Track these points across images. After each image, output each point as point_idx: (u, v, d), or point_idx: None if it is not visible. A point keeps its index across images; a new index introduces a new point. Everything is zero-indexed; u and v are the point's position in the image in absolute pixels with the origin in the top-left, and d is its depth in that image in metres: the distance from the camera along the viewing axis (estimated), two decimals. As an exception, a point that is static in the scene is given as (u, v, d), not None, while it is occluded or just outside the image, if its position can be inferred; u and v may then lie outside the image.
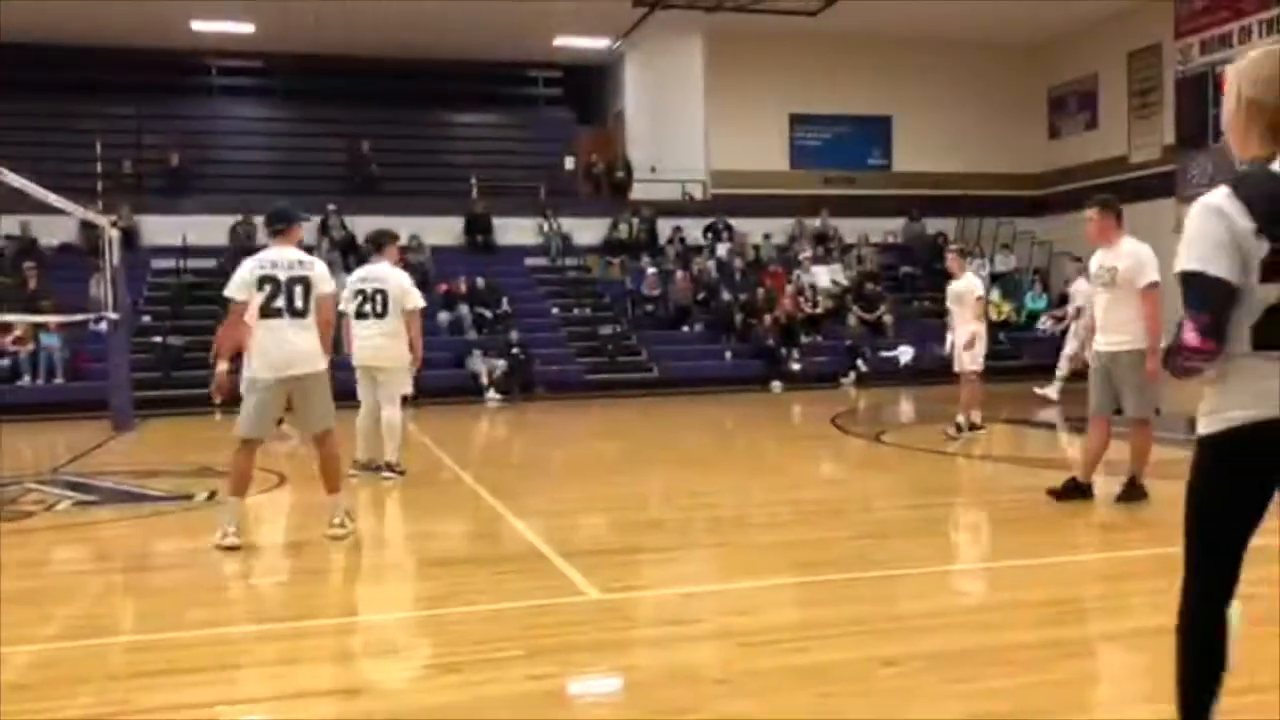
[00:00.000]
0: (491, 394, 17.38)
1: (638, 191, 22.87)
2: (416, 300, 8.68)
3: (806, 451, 11.12)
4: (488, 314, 19.04)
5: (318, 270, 6.23)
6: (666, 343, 19.58)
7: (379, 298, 8.39)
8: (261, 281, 6.06)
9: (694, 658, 4.05)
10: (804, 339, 19.52)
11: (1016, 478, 8.86)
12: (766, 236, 22.21)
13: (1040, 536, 6.13)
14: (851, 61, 22.49)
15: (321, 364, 6.20)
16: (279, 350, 6.05)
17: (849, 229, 22.46)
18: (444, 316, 18.96)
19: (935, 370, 14.24)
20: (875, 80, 22.73)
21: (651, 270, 20.51)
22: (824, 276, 20.89)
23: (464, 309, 18.93)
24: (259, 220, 19.13)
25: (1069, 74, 22.83)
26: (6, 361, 16.39)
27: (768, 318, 19.43)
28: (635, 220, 22.01)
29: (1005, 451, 10.47)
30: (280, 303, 6.05)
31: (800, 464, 10.17)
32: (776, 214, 22.28)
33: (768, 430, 13.26)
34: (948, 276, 11.14)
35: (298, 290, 6.10)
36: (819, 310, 20.20)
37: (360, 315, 8.41)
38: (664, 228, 22.05)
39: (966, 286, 10.47)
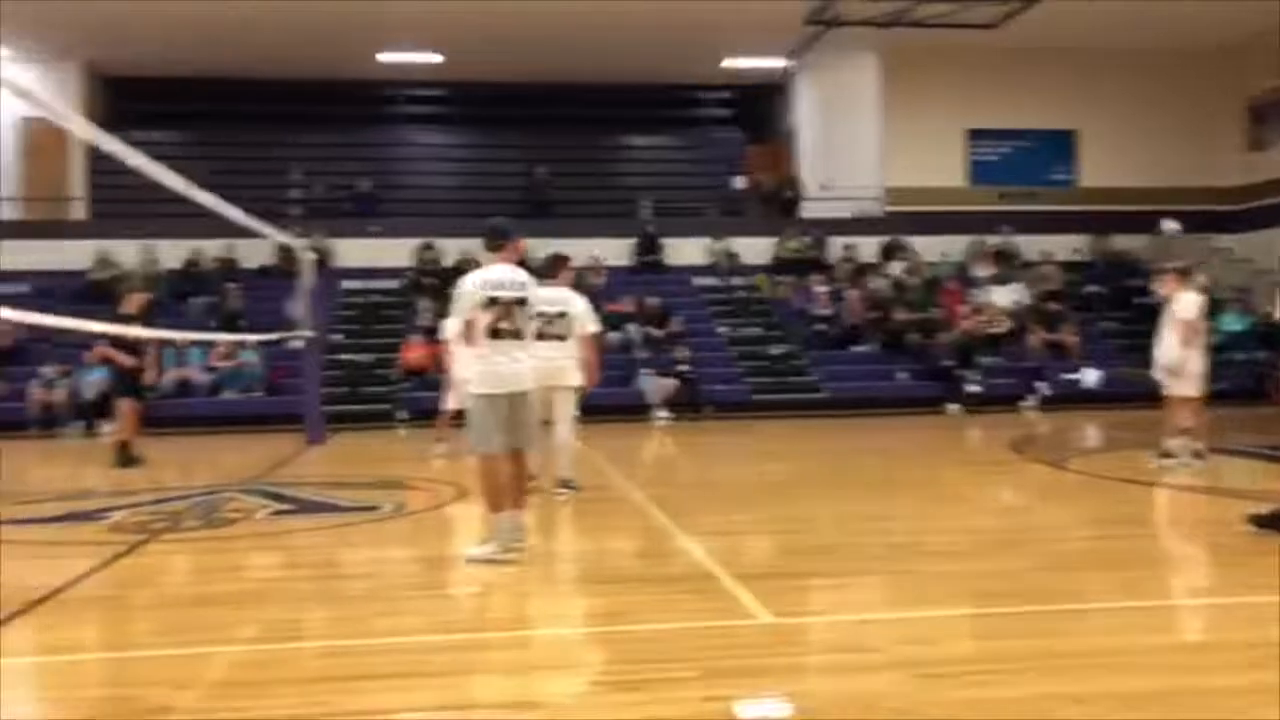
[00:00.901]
0: (660, 413, 17.52)
1: (808, 210, 22.72)
2: (595, 324, 8.86)
3: (984, 477, 10.78)
4: (657, 333, 19.23)
5: (531, 291, 6.44)
6: (837, 363, 19.33)
7: (561, 320, 8.35)
8: (489, 303, 6.24)
9: (871, 687, 3.98)
10: (982, 360, 18.93)
11: (1216, 509, 8.35)
12: (943, 254, 21.69)
13: (1243, 572, 5.76)
14: (1032, 74, 21.78)
15: (531, 383, 6.42)
16: (506, 368, 6.25)
17: (1030, 246, 21.70)
18: (613, 336, 19.24)
19: (1124, 394, 13.59)
20: (1057, 93, 21.95)
21: (822, 289, 20.31)
22: (1003, 295, 20.22)
23: (633, 328, 19.16)
24: (440, 243, 20.28)
25: (1270, 79, 21.46)
26: (212, 376, 17.50)
27: (943, 338, 18.95)
28: (805, 238, 21.86)
29: (1206, 481, 9.87)
30: (505, 325, 6.25)
31: (978, 490, 9.86)
32: (953, 231, 21.73)
33: (943, 455, 12.91)
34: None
35: (518, 312, 6.31)
36: (998, 330, 19.56)
37: (541, 336, 7.96)
38: (835, 246, 21.82)
39: (1186, 307, 9.88)
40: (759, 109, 25.38)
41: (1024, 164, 22.59)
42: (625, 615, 5.01)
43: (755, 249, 21.90)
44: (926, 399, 18.08)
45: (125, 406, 11.75)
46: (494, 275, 6.35)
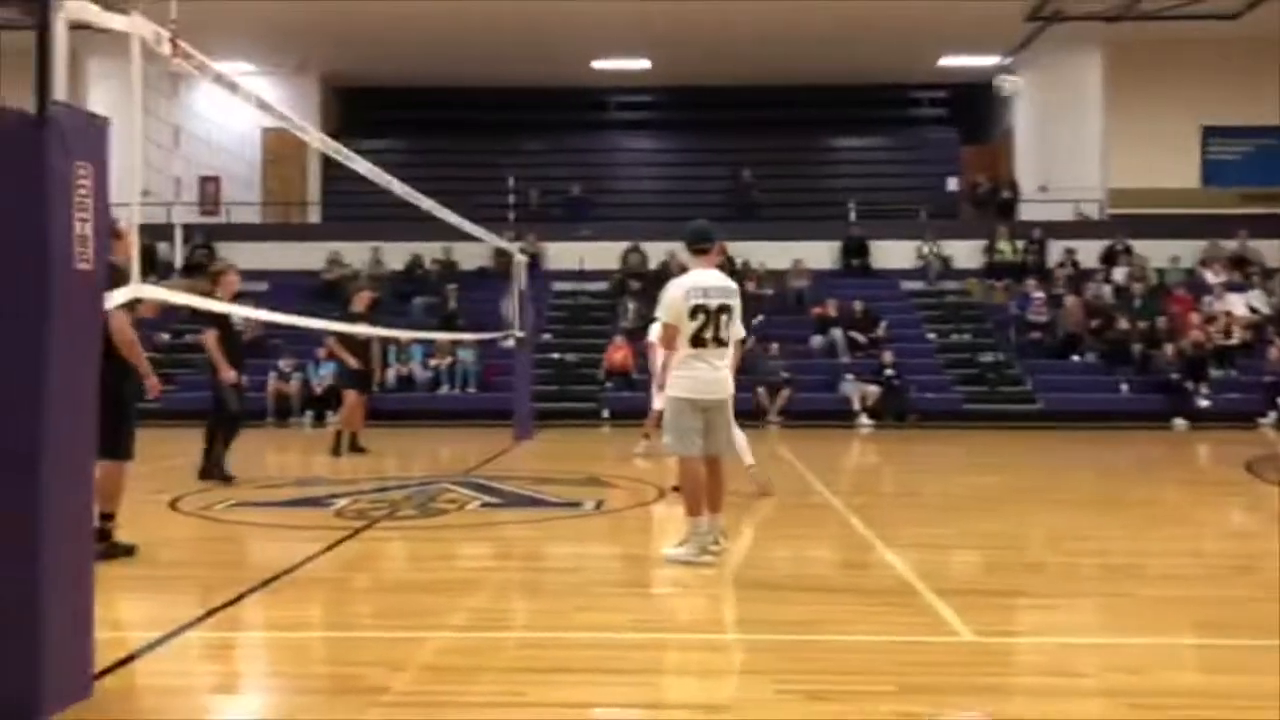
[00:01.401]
0: (863, 419, 17.24)
1: (1025, 212, 21.87)
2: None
3: (1214, 498, 10.10)
4: (861, 338, 18.91)
5: (738, 302, 6.40)
6: (1053, 372, 18.51)
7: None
8: (694, 311, 6.20)
9: (1077, 713, 3.81)
10: (1214, 373, 17.72)
11: None
12: (1174, 259, 20.43)
13: None
14: (1277, 67, 20.20)
15: (732, 390, 6.42)
16: (707, 374, 6.27)
17: (1271, 251, 20.17)
18: (817, 340, 19.07)
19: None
20: (1307, 85, 20.28)
21: (1039, 294, 19.49)
22: (1240, 304, 18.89)
23: (837, 332, 18.92)
24: (646, 246, 20.61)
25: None
26: (430, 373, 18.40)
27: (1171, 348, 17.85)
28: (1022, 242, 21.02)
29: None
30: (709, 333, 6.22)
31: (1206, 512, 9.25)
32: (1184, 235, 20.47)
33: (1168, 472, 12.18)
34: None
35: (723, 320, 6.27)
36: (1233, 341, 18.27)
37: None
38: (1054, 249, 20.89)
39: None
40: (975, 108, 24.59)
41: (1266, 163, 20.98)
42: (820, 624, 4.97)
43: (967, 252, 21.26)
44: (1150, 413, 17.10)
45: (350, 399, 12.50)
46: (701, 282, 6.30)
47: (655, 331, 8.41)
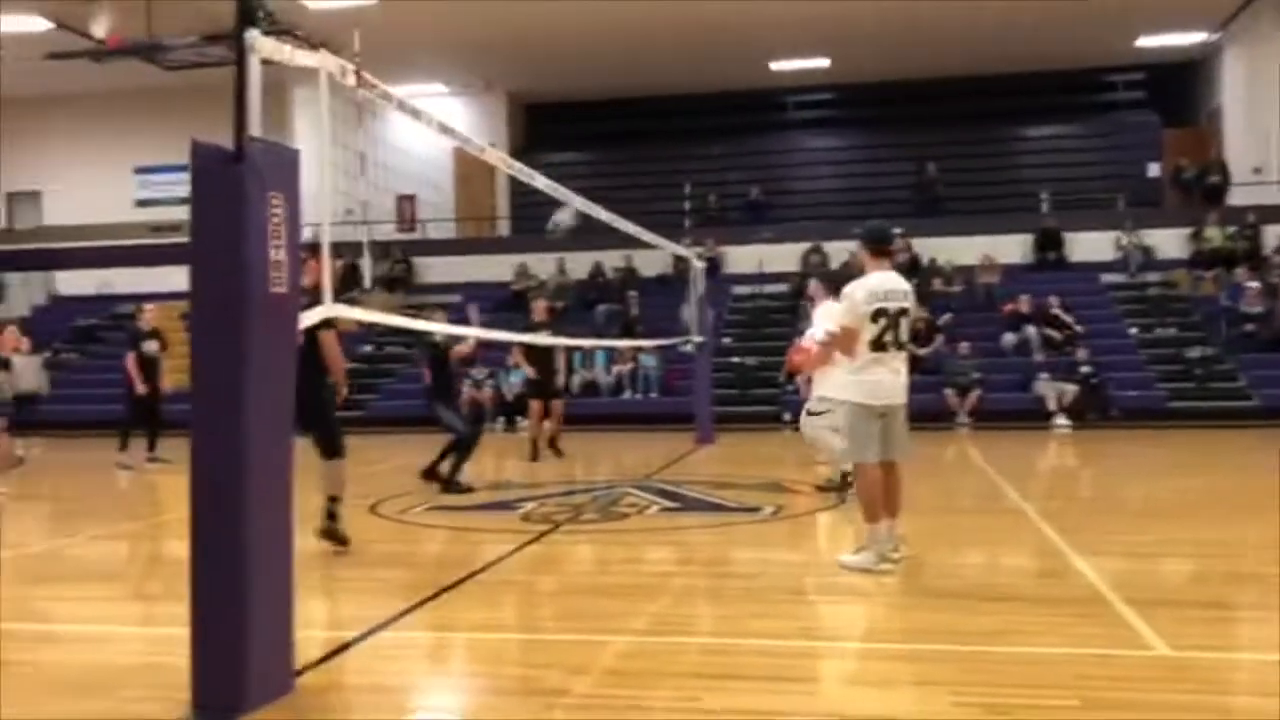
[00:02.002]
0: (1059, 420, 16.52)
1: (1237, 196, 20.48)
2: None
3: None
4: (1056, 335, 18.13)
5: (913, 300, 6.34)
6: (1269, 367, 17.25)
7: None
8: (876, 315, 6.13)
9: (1282, 737, 3.57)
10: None
11: None
12: None
13: None
14: None
15: (905, 395, 6.31)
16: (888, 380, 6.18)
17: None
18: (1009, 338, 18.41)
19: None
20: None
21: (1253, 284, 18.23)
22: None
23: (1030, 329, 18.20)
24: (828, 247, 20.38)
25: None
26: (613, 378, 18.73)
27: (1407, 338, 16.38)
28: (1233, 228, 19.70)
29: None
30: (889, 337, 6.16)
31: None
32: None
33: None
34: None
35: (903, 324, 6.22)
36: None
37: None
38: (1269, 235, 19.50)
39: None
40: (1179, 88, 23.21)
41: None
42: (1003, 635, 4.82)
43: (1172, 241, 20.11)
44: (1385, 410, 15.73)
45: (533, 407, 12.88)
46: (882, 285, 6.21)
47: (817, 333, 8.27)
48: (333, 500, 7.06)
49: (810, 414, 8.95)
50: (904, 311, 6.22)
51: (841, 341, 6.35)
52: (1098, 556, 6.48)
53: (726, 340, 19.31)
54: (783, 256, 20.82)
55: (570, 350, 17.86)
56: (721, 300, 19.54)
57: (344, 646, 4.78)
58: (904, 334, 6.23)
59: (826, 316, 8.45)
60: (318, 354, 6.81)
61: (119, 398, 13.70)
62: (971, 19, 19.49)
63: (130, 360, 12.99)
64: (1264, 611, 5.37)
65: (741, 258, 21.23)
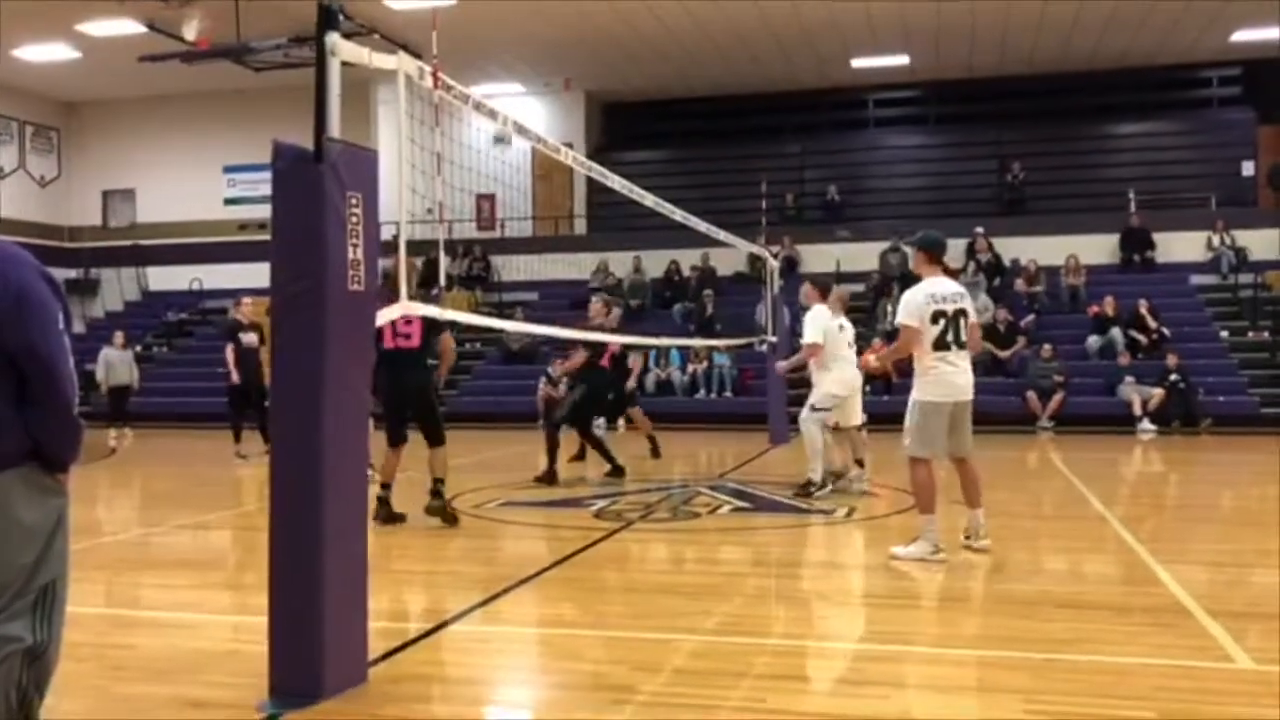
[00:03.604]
0: (1145, 425, 16.11)
1: (1336, 196, 19.77)
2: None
3: None
4: (1143, 338, 17.69)
5: (971, 306, 6.71)
6: (1370, 373, 16.66)
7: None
8: (935, 316, 6.54)
9: (1370, 757, 3.45)
10: None
11: None
12: None
13: None
14: None
15: (971, 391, 6.67)
16: (955, 378, 6.56)
17: None
18: (1093, 341, 18.01)
19: None
20: None
21: (1353, 287, 17.60)
22: None
23: (1116, 332, 17.78)
24: (906, 247, 20.11)
25: None
26: (688, 378, 18.72)
27: None
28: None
29: None
30: (950, 335, 6.55)
31: None
32: None
33: None
34: None
35: (961, 323, 6.59)
36: None
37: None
38: (1372, 237, 18.80)
39: None
40: (1275, 84, 22.44)
41: None
42: (1078, 644, 4.72)
43: (1267, 242, 19.47)
44: None
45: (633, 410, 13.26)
46: (938, 289, 6.64)
47: (811, 335, 8.66)
48: (438, 481, 7.84)
49: (814, 409, 9.18)
50: (962, 313, 6.60)
51: (903, 345, 6.74)
52: (1181, 566, 6.33)
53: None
54: (860, 256, 20.62)
55: (645, 349, 17.88)
56: (796, 299, 19.40)
57: (417, 638, 4.87)
58: (964, 333, 6.59)
59: (815, 321, 9.08)
60: (429, 351, 7.90)
61: (218, 390, 14.01)
62: (1057, 14, 19.08)
63: (228, 351, 13.29)
64: (1355, 626, 5.19)
65: (818, 257, 21.06)
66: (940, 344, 6.53)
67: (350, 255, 3.95)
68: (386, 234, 4.77)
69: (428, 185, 5.61)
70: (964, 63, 21.97)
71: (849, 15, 19.09)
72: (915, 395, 6.66)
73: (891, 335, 17.51)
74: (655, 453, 12.74)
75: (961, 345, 6.59)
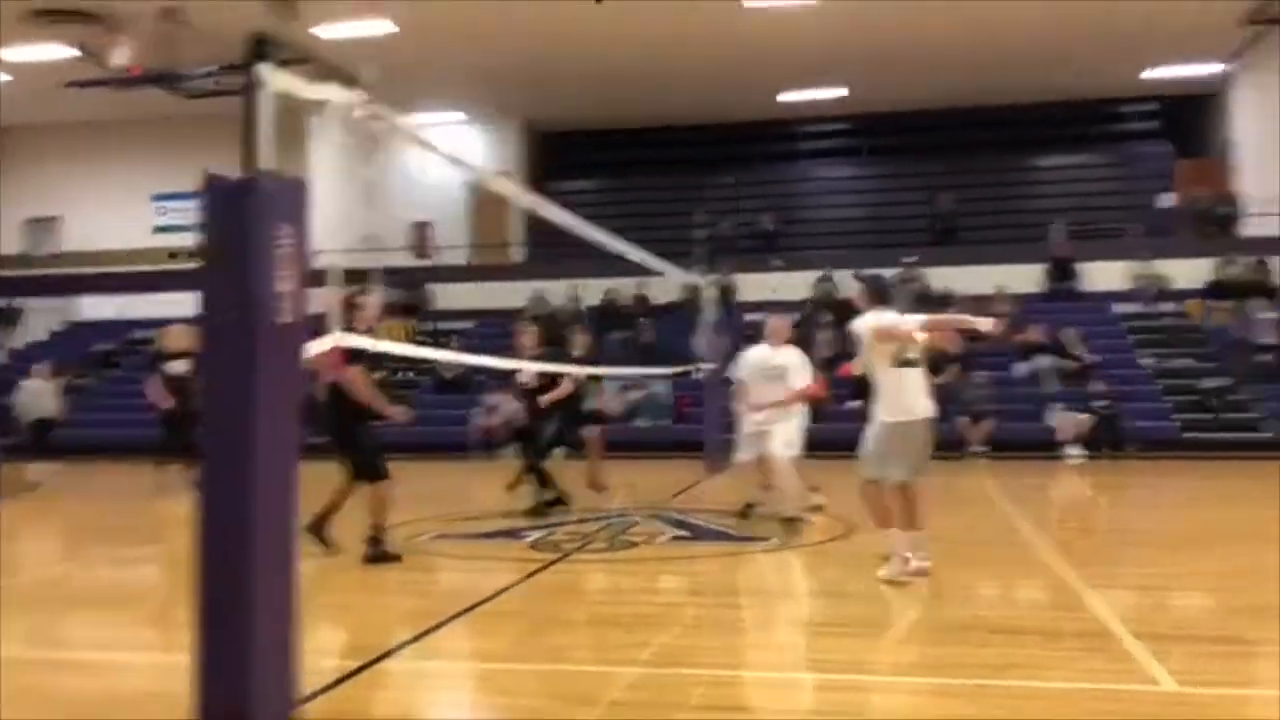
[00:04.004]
0: (1072, 450, 16.44)
1: (1251, 227, 20.44)
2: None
3: None
4: (1069, 365, 18.08)
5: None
6: (1285, 399, 17.18)
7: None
8: (885, 337, 6.69)
9: (1288, 776, 3.54)
10: None
11: None
12: None
13: None
14: None
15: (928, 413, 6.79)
16: (910, 398, 6.70)
17: None
18: (1021, 368, 18.36)
19: None
20: None
21: (1267, 315, 18.16)
22: None
23: (1043, 359, 18.15)
24: (837, 275, 20.41)
25: None
26: (625, 407, 18.73)
27: None
28: (1247, 259, 19.66)
29: None
30: (911, 353, 6.73)
31: None
32: None
33: None
34: None
35: (911, 348, 6.75)
36: None
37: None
38: (1281, 267, 19.46)
39: None
40: (1192, 119, 23.22)
41: None
42: (1011, 669, 4.79)
43: (1185, 272, 20.05)
44: (1400, 442, 15.61)
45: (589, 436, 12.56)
46: (885, 319, 6.77)
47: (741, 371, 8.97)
48: (373, 527, 7.53)
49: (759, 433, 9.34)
50: (911, 339, 6.75)
51: (897, 334, 6.83)
52: (1108, 589, 6.44)
53: (738, 368, 19.26)
54: (794, 285, 20.86)
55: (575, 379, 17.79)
56: (734, 328, 19.55)
57: (349, 675, 4.78)
58: (916, 354, 6.75)
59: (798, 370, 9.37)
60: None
61: (147, 421, 13.59)
62: (985, 49, 19.58)
63: (153, 382, 12.89)
64: (1274, 646, 5.32)
65: (753, 286, 21.27)
66: (903, 361, 6.70)
67: (279, 288, 3.90)
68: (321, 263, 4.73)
69: (362, 214, 5.57)
70: (894, 96, 22.42)
71: (781, 48, 19.38)
72: (875, 416, 6.77)
73: (827, 363, 17.73)
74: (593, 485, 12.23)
75: (914, 365, 6.74)
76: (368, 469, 7.55)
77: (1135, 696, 4.36)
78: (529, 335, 10.93)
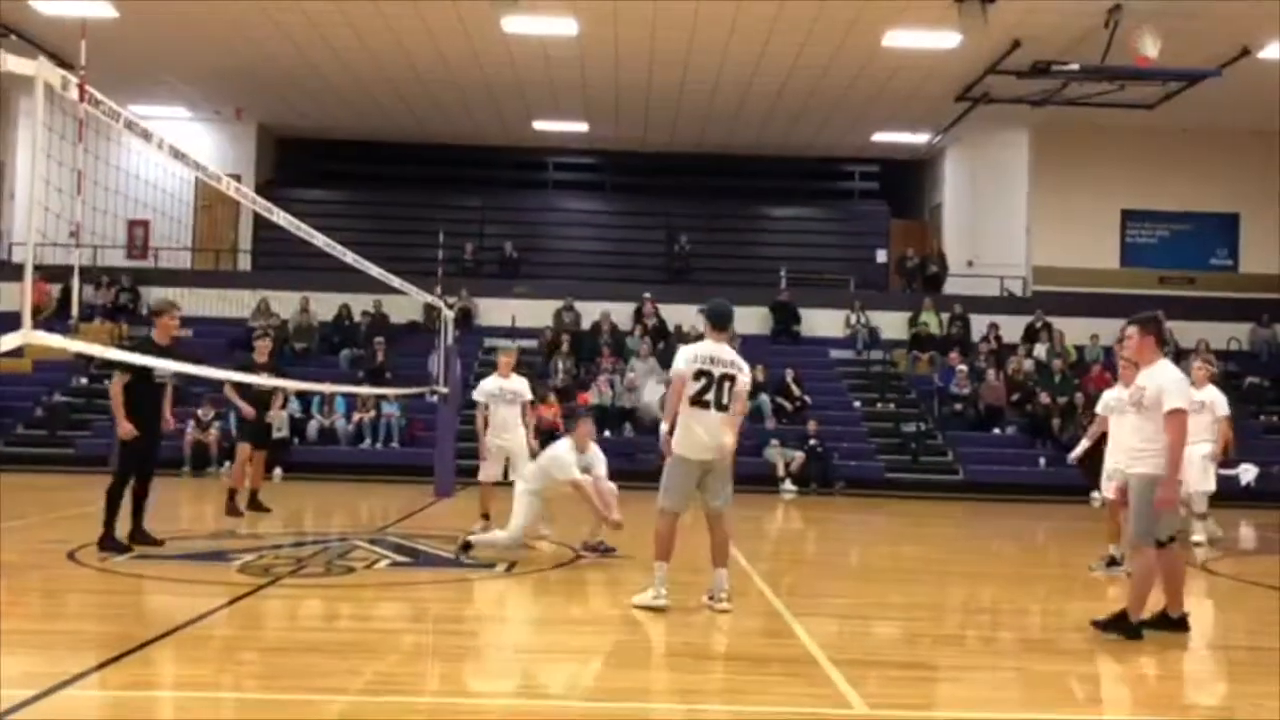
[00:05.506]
0: (787, 485, 17.31)
1: (952, 286, 22.35)
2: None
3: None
4: (787, 404, 19.05)
5: (744, 376, 6.87)
6: (975, 444, 18.80)
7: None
8: (698, 374, 6.71)
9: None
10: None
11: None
12: (1093, 337, 20.96)
13: None
14: (1192, 156, 21.10)
15: (731, 450, 6.89)
16: (702, 437, 6.70)
17: (1186, 333, 20.78)
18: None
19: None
20: (1220, 175, 21.22)
21: (962, 367, 19.85)
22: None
23: (764, 398, 19.04)
24: (580, 305, 20.68)
25: None
26: (353, 427, 18.12)
27: (1088, 424, 18.21)
28: (947, 315, 21.46)
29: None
30: (710, 396, 6.71)
31: (1121, 587, 9.36)
32: (1104, 314, 20.98)
33: (1086, 546, 12.28)
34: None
35: (726, 386, 6.75)
36: (1149, 419, 18.69)
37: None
38: (978, 324, 21.34)
39: None
40: (907, 183, 25.19)
41: (1182, 247, 21.83)
42: (718, 695, 4.94)
43: (895, 323, 21.64)
44: (1070, 487, 17.30)
45: (243, 452, 11.49)
46: (708, 350, 6.81)
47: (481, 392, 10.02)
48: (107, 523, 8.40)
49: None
50: (728, 378, 6.76)
51: (672, 394, 6.93)
52: (813, 618, 6.77)
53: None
54: (536, 312, 20.96)
55: (304, 395, 17.12)
56: (472, 352, 19.39)
57: (22, 704, 4.32)
58: (725, 397, 6.74)
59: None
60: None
61: None
62: (723, 101, 20.47)
63: None
64: (960, 672, 5.77)
65: (494, 311, 21.22)
66: (697, 401, 6.70)
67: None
68: (18, 255, 4.30)
69: (67, 205, 5.12)
70: (639, 136, 23.06)
71: (528, 78, 19.54)
72: (673, 449, 6.84)
73: (563, 392, 17.89)
74: (231, 510, 11.20)
75: (722, 408, 6.71)
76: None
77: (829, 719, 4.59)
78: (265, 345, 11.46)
